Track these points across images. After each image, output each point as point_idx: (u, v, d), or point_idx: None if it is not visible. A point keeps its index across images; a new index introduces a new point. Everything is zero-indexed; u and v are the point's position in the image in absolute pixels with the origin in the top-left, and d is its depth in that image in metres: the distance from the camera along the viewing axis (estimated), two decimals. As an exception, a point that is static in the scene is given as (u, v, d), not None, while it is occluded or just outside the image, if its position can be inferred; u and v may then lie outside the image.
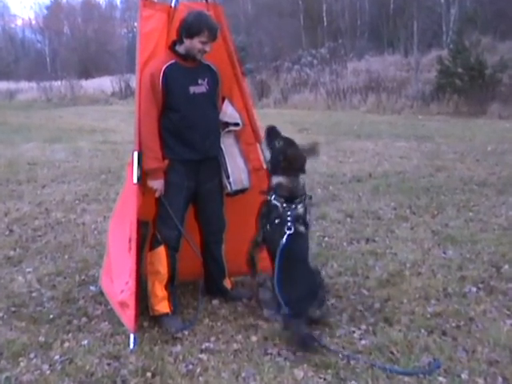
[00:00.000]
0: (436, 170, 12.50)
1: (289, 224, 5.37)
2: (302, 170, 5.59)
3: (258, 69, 37.00)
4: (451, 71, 26.84)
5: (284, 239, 5.33)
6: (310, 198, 5.72)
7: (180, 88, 5.36)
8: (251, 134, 6.05)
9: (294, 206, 5.45)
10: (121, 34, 79.30)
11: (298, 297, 5.26)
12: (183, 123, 5.39)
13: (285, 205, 5.42)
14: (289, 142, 5.59)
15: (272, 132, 5.69)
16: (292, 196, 5.47)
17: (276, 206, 5.45)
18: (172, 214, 5.41)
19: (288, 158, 5.44)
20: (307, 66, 36.05)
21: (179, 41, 5.36)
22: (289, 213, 5.41)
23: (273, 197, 5.48)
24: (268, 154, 5.70)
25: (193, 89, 5.42)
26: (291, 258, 5.35)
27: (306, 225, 5.55)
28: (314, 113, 28.24)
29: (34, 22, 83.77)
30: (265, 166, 5.92)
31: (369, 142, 17.34)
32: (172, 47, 5.42)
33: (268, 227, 5.49)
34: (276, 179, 5.52)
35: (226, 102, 5.78)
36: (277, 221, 5.43)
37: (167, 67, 5.30)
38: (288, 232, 5.34)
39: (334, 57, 36.14)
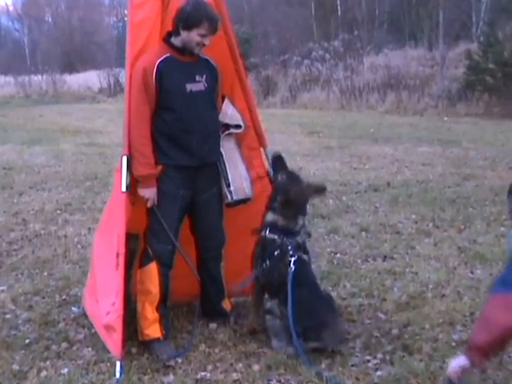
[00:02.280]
0: (463, 179, 12.50)
1: (291, 252, 5.40)
2: (303, 212, 5.63)
3: (263, 63, 37.10)
4: (481, 67, 26.83)
5: (291, 266, 5.37)
6: (309, 235, 5.77)
7: (176, 85, 5.36)
8: (254, 137, 6.04)
9: (292, 236, 5.49)
10: (109, 23, 79.66)
11: (313, 325, 5.27)
12: (179, 125, 5.38)
13: (282, 235, 5.47)
14: (292, 178, 5.63)
15: (277, 161, 5.75)
16: (289, 231, 5.51)
17: (273, 240, 5.50)
18: (165, 227, 5.40)
19: (287, 198, 5.48)
20: (318, 60, 36.06)
21: (175, 32, 5.35)
22: (288, 242, 5.45)
23: (267, 232, 5.51)
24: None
25: (190, 86, 5.41)
26: (301, 284, 5.38)
27: (307, 253, 5.60)
28: (326, 113, 28.27)
29: (11, 9, 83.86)
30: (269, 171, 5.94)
31: (387, 147, 17.36)
32: (167, 39, 5.41)
33: (267, 262, 5.50)
34: (270, 217, 5.57)
35: (227, 101, 5.78)
36: (276, 252, 5.46)
37: (161, 61, 5.29)
38: (293, 259, 5.37)
39: (349, 50, 36.17)
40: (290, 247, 5.42)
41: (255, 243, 5.68)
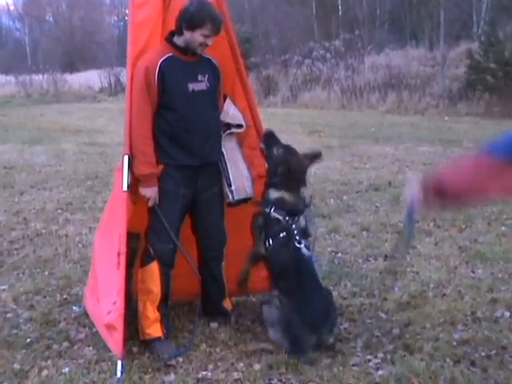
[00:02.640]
0: (464, 179, 12.44)
1: (297, 238, 5.38)
2: (304, 182, 5.62)
3: (264, 63, 37.09)
4: (482, 66, 26.82)
5: (300, 253, 5.39)
6: (309, 206, 5.73)
7: (178, 85, 5.36)
8: (255, 136, 6.04)
9: (296, 218, 5.48)
10: (110, 22, 79.69)
11: (312, 315, 5.27)
12: (181, 124, 5.39)
13: (287, 218, 5.45)
14: (289, 151, 5.63)
15: (270, 138, 5.72)
16: (294, 211, 5.50)
17: (277, 219, 5.47)
18: (167, 226, 5.40)
19: (288, 168, 5.46)
20: (319, 60, 36.02)
21: (178, 32, 5.34)
22: (294, 226, 5.43)
23: (272, 209, 5.49)
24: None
25: (192, 86, 5.41)
26: (303, 273, 5.39)
27: (309, 236, 5.62)
28: (327, 113, 28.25)
29: (12, 8, 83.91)
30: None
31: (388, 147, 17.34)
32: (169, 39, 5.41)
33: (270, 242, 5.49)
34: (274, 193, 5.54)
35: (228, 100, 5.78)
36: (281, 234, 5.44)
37: (164, 61, 5.29)
38: (299, 246, 5.37)
39: (350, 50, 36.14)
40: (295, 231, 5.42)
41: (254, 214, 5.67)
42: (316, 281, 5.58)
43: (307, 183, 5.67)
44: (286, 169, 5.46)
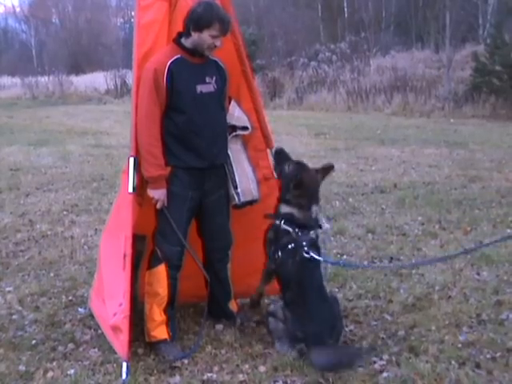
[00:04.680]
0: (470, 181, 12.47)
1: (305, 249, 5.38)
2: (316, 199, 5.62)
3: (269, 65, 37.05)
4: (488, 69, 26.75)
5: (307, 264, 5.38)
6: (320, 227, 5.73)
7: (186, 86, 5.36)
8: (261, 139, 6.05)
9: (306, 231, 5.48)
10: (116, 24, 79.58)
11: (316, 331, 5.27)
12: (189, 126, 5.39)
13: (297, 230, 5.45)
14: (300, 167, 5.62)
15: (280, 154, 5.72)
16: (304, 225, 5.50)
17: (287, 231, 5.47)
18: (175, 228, 5.40)
19: (300, 185, 5.46)
20: (325, 62, 35.99)
21: (186, 34, 5.34)
22: (303, 237, 5.43)
23: (282, 222, 5.49)
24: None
25: (200, 88, 5.42)
26: (308, 286, 5.39)
27: (319, 251, 5.57)
28: (333, 115, 28.24)
29: (18, 10, 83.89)
30: (276, 176, 5.94)
31: (394, 149, 17.34)
32: (177, 40, 5.42)
33: (279, 254, 5.50)
34: (285, 209, 5.55)
35: (233, 102, 5.79)
36: (290, 246, 5.44)
37: (172, 62, 5.29)
38: (307, 257, 5.36)
39: (356, 52, 36.11)
40: (304, 243, 5.41)
41: (267, 228, 5.66)
42: (322, 293, 5.56)
43: (319, 200, 5.67)
44: (298, 185, 5.45)
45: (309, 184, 5.51)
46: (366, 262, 7.72)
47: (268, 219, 5.64)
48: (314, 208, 5.57)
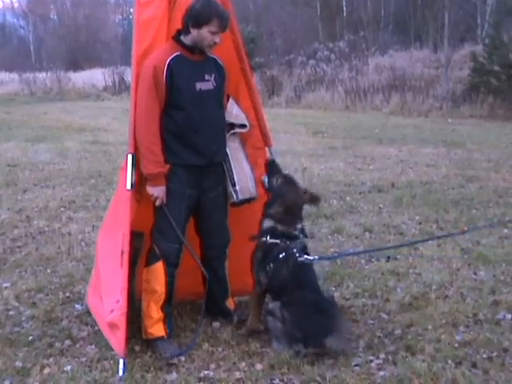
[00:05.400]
0: (467, 181, 12.48)
1: (297, 254, 5.41)
2: (300, 218, 5.67)
3: (268, 63, 37.00)
4: (486, 69, 26.76)
5: (300, 267, 5.41)
6: (306, 237, 5.77)
7: (186, 83, 5.36)
8: (259, 137, 6.06)
9: (293, 240, 5.52)
10: (115, 20, 79.47)
11: (314, 331, 5.28)
12: (188, 124, 5.39)
13: (284, 240, 5.48)
14: (288, 183, 5.65)
15: (271, 167, 5.76)
16: (289, 236, 5.53)
17: (275, 244, 5.51)
18: (174, 225, 5.40)
19: (285, 205, 5.50)
20: (324, 60, 35.97)
21: (185, 31, 5.34)
22: (293, 245, 5.47)
23: (268, 237, 5.52)
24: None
25: (199, 85, 5.42)
26: (303, 288, 5.41)
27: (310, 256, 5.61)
28: (331, 114, 28.24)
29: (16, 6, 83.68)
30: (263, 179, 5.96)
31: (391, 148, 17.35)
32: (177, 37, 5.41)
33: (271, 266, 5.51)
34: (269, 223, 5.59)
35: (231, 100, 5.79)
36: (281, 255, 5.47)
37: (172, 59, 5.29)
38: (301, 259, 5.38)
39: (354, 51, 36.08)
40: (295, 249, 5.44)
41: (254, 248, 5.69)
42: (318, 293, 5.59)
43: (302, 218, 5.71)
44: (282, 203, 5.51)
45: (293, 204, 5.54)
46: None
47: (253, 241, 5.68)
48: (298, 223, 5.63)
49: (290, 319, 5.34)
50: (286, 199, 5.48)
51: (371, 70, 33.87)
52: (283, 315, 5.37)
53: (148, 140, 5.26)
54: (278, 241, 5.49)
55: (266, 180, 5.75)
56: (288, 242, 5.48)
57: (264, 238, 5.55)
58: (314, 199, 5.74)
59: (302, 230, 5.67)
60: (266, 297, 5.76)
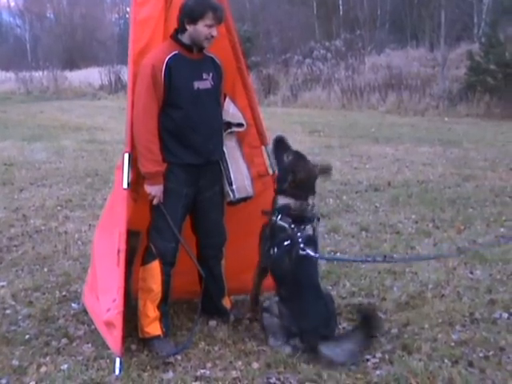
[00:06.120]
0: (463, 180, 12.50)
1: (301, 246, 5.39)
2: (313, 191, 5.61)
3: (264, 62, 37.02)
4: (483, 68, 26.78)
5: (302, 261, 5.39)
6: (318, 219, 5.72)
7: (184, 82, 5.36)
8: (256, 136, 6.06)
9: (303, 227, 5.47)
10: (111, 19, 79.39)
11: (311, 327, 5.28)
12: (185, 122, 5.39)
13: (293, 225, 5.45)
14: (299, 158, 5.62)
15: (280, 143, 5.71)
16: (301, 218, 5.49)
17: (283, 227, 5.48)
18: (171, 224, 5.40)
19: (297, 177, 5.46)
20: (320, 59, 35.98)
21: (181, 29, 5.35)
22: (299, 234, 5.43)
23: (278, 217, 5.49)
24: (275, 168, 5.74)
25: (197, 84, 5.42)
26: (304, 283, 5.40)
27: (316, 248, 5.57)
28: (327, 113, 28.27)
29: (12, 4, 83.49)
30: (270, 172, 5.95)
31: (388, 147, 17.37)
32: (174, 36, 5.41)
33: (275, 250, 5.50)
34: (282, 200, 5.55)
35: (228, 99, 5.79)
36: (286, 242, 5.44)
37: (170, 58, 5.29)
38: (303, 253, 5.37)
39: (351, 50, 36.09)
40: (300, 240, 5.42)
41: (263, 225, 5.66)
42: (317, 290, 5.58)
43: (315, 191, 5.67)
44: (295, 176, 5.45)
45: (307, 175, 5.50)
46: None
47: (264, 216, 5.64)
48: (311, 198, 5.58)
49: (286, 314, 5.35)
50: (300, 173, 5.44)
51: (367, 69, 33.90)
52: (280, 310, 5.37)
53: (146, 139, 5.26)
54: (286, 225, 5.45)
55: (275, 157, 5.75)
56: (295, 229, 5.46)
57: (274, 218, 5.53)
58: (326, 170, 5.72)
59: (314, 208, 5.64)
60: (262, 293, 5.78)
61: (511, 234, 8.71)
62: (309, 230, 5.52)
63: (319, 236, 5.90)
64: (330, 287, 6.78)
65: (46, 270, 7.53)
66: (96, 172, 13.58)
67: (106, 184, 11.78)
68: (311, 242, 5.50)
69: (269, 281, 5.73)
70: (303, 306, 5.35)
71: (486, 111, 25.71)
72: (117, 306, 5.05)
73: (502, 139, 18.55)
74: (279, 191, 5.59)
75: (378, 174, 13.32)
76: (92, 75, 46.96)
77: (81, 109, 31.54)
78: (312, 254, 5.42)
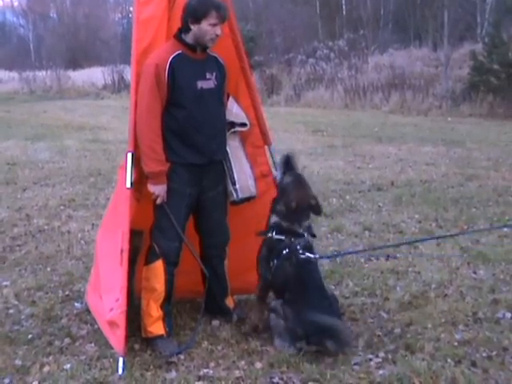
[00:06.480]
0: (467, 179, 12.48)
1: (300, 251, 5.41)
2: (306, 217, 5.65)
3: (267, 62, 36.98)
4: (486, 68, 26.72)
5: (303, 265, 5.42)
6: (314, 236, 5.74)
7: (187, 82, 5.36)
8: (259, 135, 6.06)
9: (299, 237, 5.51)
10: (114, 19, 79.41)
11: (316, 328, 5.28)
12: (189, 122, 5.39)
13: (289, 236, 5.48)
14: (297, 182, 5.63)
15: (287, 162, 5.74)
16: (293, 234, 5.52)
17: (280, 240, 5.50)
18: (174, 223, 5.40)
19: (288, 203, 5.49)
20: (323, 59, 35.92)
21: (185, 29, 5.35)
22: (297, 242, 5.46)
23: (273, 233, 5.52)
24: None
25: (201, 84, 5.42)
26: (307, 287, 5.40)
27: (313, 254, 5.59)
28: (330, 112, 28.22)
29: (16, 4, 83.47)
30: (274, 173, 5.96)
31: (391, 147, 17.34)
32: (178, 36, 5.42)
33: (275, 261, 5.52)
34: (275, 219, 5.59)
35: (231, 99, 5.79)
36: (284, 251, 5.47)
37: (174, 58, 5.30)
38: (303, 257, 5.37)
39: (354, 50, 36.03)
40: (298, 246, 5.43)
41: (261, 244, 5.68)
42: (321, 291, 5.58)
43: (309, 217, 5.69)
44: (286, 200, 5.49)
45: (298, 202, 5.50)
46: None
47: (260, 236, 5.69)
48: (305, 222, 5.61)
49: (292, 316, 5.34)
50: (291, 199, 5.46)
51: (371, 69, 33.82)
52: (285, 312, 5.37)
53: (150, 138, 5.26)
54: (282, 237, 5.48)
55: (278, 176, 5.76)
56: (293, 239, 5.47)
57: (270, 234, 5.55)
58: (317, 209, 5.71)
59: (309, 228, 5.66)
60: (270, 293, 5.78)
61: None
62: (306, 237, 5.57)
63: (321, 237, 5.90)
64: (333, 287, 6.78)
65: (49, 269, 7.54)
66: (99, 171, 13.58)
67: (109, 183, 11.79)
68: (309, 248, 5.54)
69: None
70: (308, 308, 5.34)
71: (489, 111, 25.66)
72: (120, 306, 5.05)
73: (506, 139, 18.52)
74: (274, 210, 5.62)
75: (381, 173, 13.31)
76: (95, 75, 46.94)
77: (84, 108, 31.53)
78: (311, 255, 5.44)
